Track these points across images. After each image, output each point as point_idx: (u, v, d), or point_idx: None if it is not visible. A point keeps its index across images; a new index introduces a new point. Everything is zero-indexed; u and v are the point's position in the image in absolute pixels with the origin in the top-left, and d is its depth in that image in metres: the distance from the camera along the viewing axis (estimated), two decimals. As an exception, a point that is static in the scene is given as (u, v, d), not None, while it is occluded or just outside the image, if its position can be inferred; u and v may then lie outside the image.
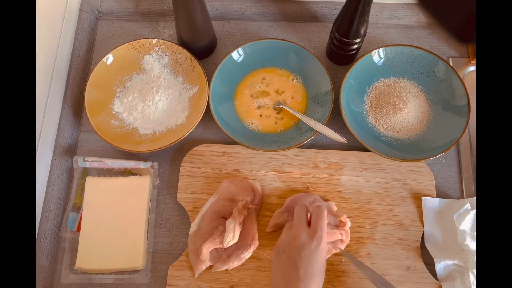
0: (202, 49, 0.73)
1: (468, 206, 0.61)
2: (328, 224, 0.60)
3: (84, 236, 0.62)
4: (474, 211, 0.61)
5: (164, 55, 0.72)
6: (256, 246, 0.62)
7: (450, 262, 0.60)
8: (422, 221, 0.63)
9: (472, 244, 0.58)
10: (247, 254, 0.61)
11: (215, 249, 0.61)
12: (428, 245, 0.62)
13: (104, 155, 0.69)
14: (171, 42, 0.71)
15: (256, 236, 0.62)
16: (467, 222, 0.60)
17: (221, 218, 0.63)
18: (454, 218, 0.61)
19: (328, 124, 0.65)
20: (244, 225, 0.62)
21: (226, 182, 0.65)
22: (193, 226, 0.62)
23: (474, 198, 0.63)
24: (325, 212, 0.54)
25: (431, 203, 0.64)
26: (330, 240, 0.59)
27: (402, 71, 0.70)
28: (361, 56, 0.69)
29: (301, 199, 0.62)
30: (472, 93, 0.66)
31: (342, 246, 0.60)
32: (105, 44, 0.77)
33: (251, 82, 0.72)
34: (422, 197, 0.64)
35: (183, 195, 0.65)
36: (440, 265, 0.60)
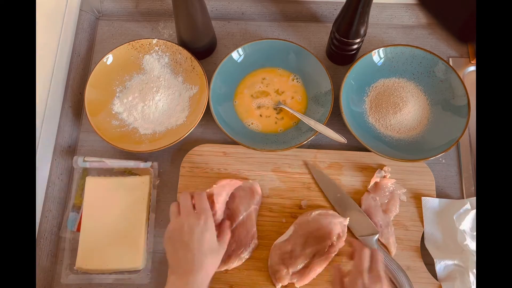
0: (202, 49, 0.73)
1: (468, 206, 0.61)
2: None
3: (84, 236, 0.62)
4: (474, 211, 0.61)
5: (164, 55, 0.72)
6: (256, 246, 0.62)
7: (450, 262, 0.60)
8: (422, 221, 0.63)
9: (472, 244, 0.58)
10: (247, 254, 0.61)
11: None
12: (428, 245, 0.62)
13: (104, 155, 0.69)
14: (171, 42, 0.71)
15: (256, 236, 0.62)
16: (467, 222, 0.60)
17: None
18: (454, 218, 0.61)
19: (328, 124, 0.65)
20: (244, 225, 0.62)
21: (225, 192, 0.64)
22: None
23: (474, 198, 0.63)
24: (204, 195, 0.57)
25: (431, 203, 0.64)
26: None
27: (402, 71, 0.70)
28: (361, 56, 0.69)
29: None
30: (472, 93, 0.66)
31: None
32: (105, 44, 0.77)
33: (251, 82, 0.72)
34: (422, 197, 0.64)
35: (183, 195, 0.65)
36: (440, 265, 0.60)
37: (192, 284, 0.50)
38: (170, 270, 0.53)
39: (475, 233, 0.59)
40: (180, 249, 0.52)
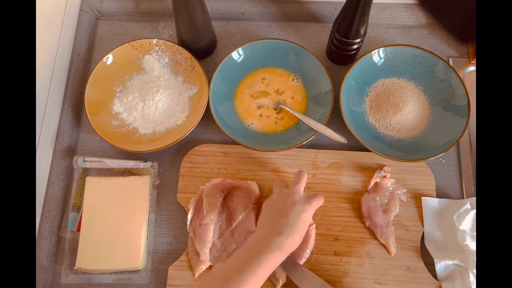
0: (202, 49, 0.73)
1: (468, 206, 0.61)
2: None
3: (84, 236, 0.62)
4: (474, 211, 0.61)
5: (164, 55, 0.72)
6: (256, 246, 0.62)
7: (450, 262, 0.60)
8: (422, 221, 0.63)
9: (472, 244, 0.58)
10: (247, 254, 0.61)
11: (215, 249, 0.61)
12: (428, 245, 0.62)
13: (104, 155, 0.69)
14: (171, 42, 0.71)
15: (256, 236, 0.62)
16: (467, 222, 0.60)
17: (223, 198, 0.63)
18: (454, 218, 0.61)
19: (328, 124, 0.65)
20: (243, 225, 0.62)
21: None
22: (189, 216, 0.63)
23: (474, 198, 0.63)
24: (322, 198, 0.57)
25: (431, 203, 0.64)
26: None
27: (402, 71, 0.70)
28: (361, 56, 0.69)
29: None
30: (472, 93, 0.66)
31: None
32: (105, 44, 0.77)
33: (251, 82, 0.72)
34: (422, 197, 0.64)
35: (183, 195, 0.65)
36: (440, 265, 0.60)
37: (279, 244, 0.50)
38: (257, 230, 0.55)
39: (475, 233, 0.59)
40: (277, 213, 0.53)
